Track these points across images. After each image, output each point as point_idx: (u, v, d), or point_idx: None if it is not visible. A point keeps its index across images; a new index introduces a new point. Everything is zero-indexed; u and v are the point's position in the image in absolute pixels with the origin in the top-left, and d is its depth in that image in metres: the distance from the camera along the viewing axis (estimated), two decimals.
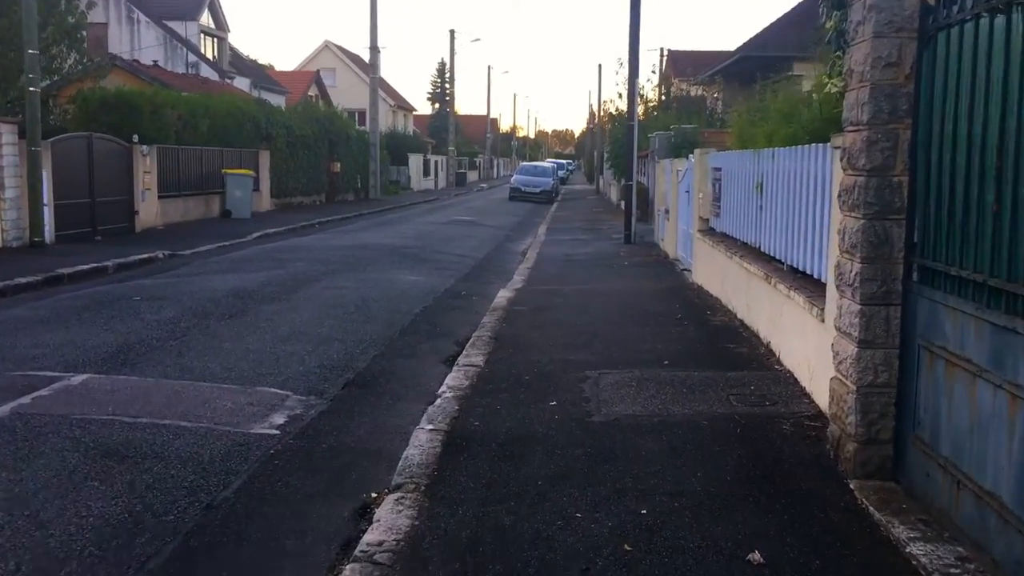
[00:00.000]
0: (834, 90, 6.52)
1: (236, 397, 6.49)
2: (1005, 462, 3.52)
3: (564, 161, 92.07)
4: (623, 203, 21.20)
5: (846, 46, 5.08)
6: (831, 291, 5.54)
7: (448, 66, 61.27)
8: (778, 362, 7.40)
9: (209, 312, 9.84)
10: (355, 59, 60.11)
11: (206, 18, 40.79)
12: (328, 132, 32.99)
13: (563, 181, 60.22)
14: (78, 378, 6.87)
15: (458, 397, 6.37)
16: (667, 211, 16.89)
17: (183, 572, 3.88)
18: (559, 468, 4.95)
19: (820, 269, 6.44)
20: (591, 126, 72.07)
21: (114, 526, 4.25)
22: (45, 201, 15.61)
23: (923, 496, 4.29)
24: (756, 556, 3.85)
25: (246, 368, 7.36)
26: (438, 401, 6.28)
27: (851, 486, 4.61)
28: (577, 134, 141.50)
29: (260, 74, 45.71)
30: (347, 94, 54.84)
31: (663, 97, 34.88)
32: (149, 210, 20.00)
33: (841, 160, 4.94)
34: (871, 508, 4.34)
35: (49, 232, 15.92)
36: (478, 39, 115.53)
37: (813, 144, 6.72)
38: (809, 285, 6.82)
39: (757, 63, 22.54)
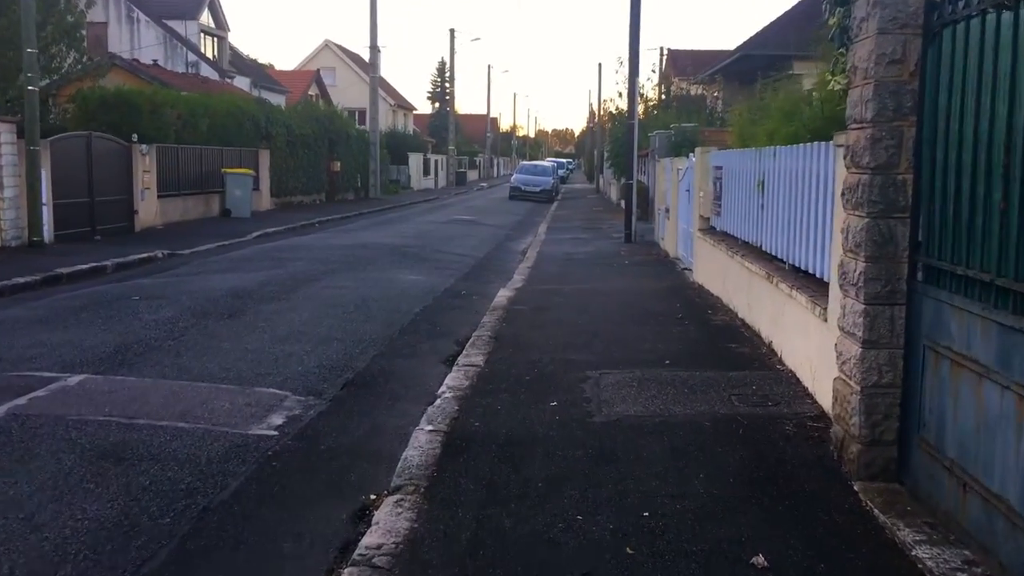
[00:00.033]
0: (837, 87, 6.48)
1: (234, 398, 6.44)
2: (1013, 464, 3.47)
3: (564, 160, 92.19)
4: (623, 202, 21.17)
5: (849, 43, 5.03)
6: (834, 290, 5.49)
7: (448, 65, 61.33)
8: (780, 362, 7.36)
9: (208, 312, 9.79)
10: (355, 58, 60.08)
11: (206, 17, 40.80)
12: (328, 131, 32.94)
13: (563, 180, 60.23)
14: (75, 378, 6.82)
15: (458, 397, 6.32)
16: (667, 210, 16.84)
17: None
18: (560, 469, 4.90)
19: (822, 268, 6.40)
20: (591, 125, 72.07)
21: (109, 529, 4.21)
22: (44, 200, 15.56)
23: (928, 498, 4.24)
24: (760, 559, 3.80)
25: (244, 368, 7.31)
26: (438, 401, 6.23)
27: (855, 488, 4.57)
28: (577, 133, 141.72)
29: (260, 73, 45.68)
30: (347, 93, 54.83)
31: (663, 96, 34.79)
32: (148, 209, 19.95)
33: (844, 158, 4.90)
34: (876, 510, 4.29)
35: (48, 231, 15.87)
36: (478, 38, 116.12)
37: (815, 142, 6.68)
38: (811, 284, 6.77)
39: (757, 62, 22.45)
